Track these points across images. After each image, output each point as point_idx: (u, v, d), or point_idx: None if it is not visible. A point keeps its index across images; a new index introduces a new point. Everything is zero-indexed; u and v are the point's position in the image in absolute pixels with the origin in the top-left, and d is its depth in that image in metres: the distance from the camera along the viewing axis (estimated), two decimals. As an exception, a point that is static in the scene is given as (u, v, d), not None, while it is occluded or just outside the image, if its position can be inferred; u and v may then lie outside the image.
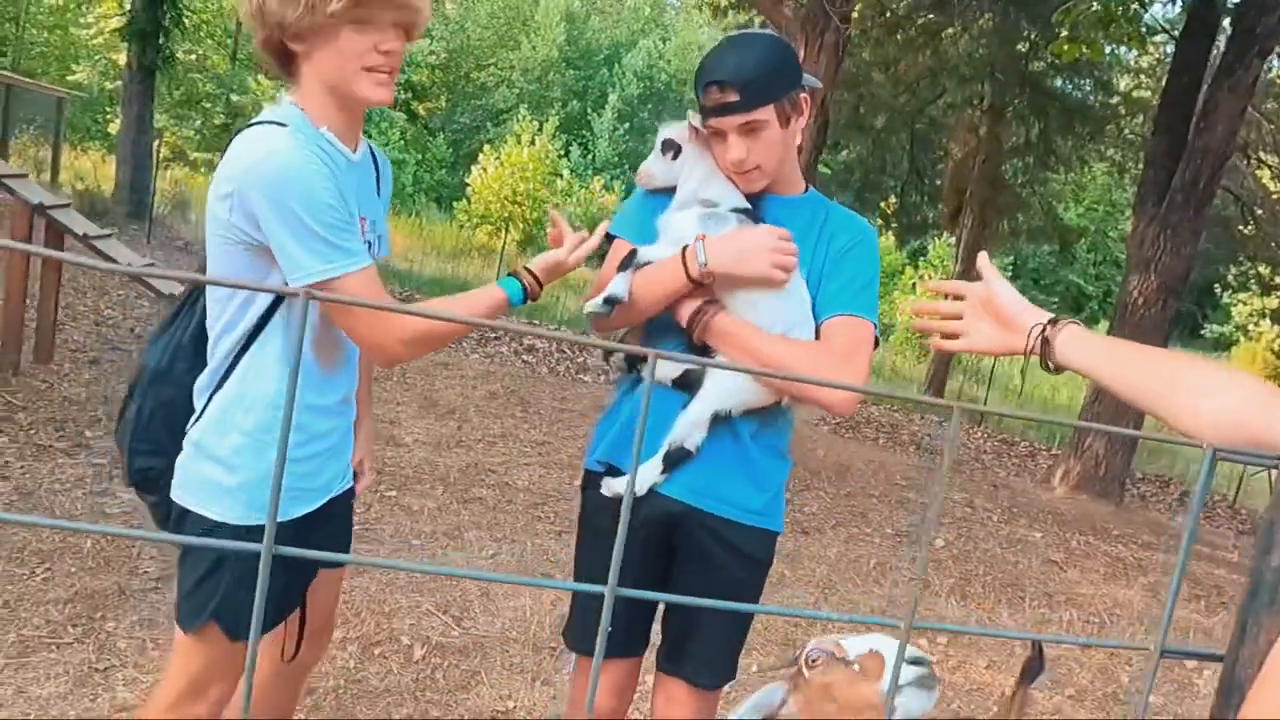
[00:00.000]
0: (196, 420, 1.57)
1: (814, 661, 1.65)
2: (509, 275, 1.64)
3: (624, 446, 1.77)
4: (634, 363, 1.81)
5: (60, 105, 15.39)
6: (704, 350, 1.74)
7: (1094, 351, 1.24)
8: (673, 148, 1.74)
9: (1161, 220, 7.48)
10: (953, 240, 16.06)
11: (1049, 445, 11.38)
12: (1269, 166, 12.67)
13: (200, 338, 1.59)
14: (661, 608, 1.93)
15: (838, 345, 1.70)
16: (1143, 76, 13.65)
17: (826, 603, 4.22)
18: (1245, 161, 12.45)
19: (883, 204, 15.81)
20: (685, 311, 1.70)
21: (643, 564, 1.78)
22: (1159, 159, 7.75)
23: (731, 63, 1.65)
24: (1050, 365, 1.28)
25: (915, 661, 1.59)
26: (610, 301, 1.69)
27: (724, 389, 1.69)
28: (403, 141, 26.42)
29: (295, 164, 1.42)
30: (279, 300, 1.52)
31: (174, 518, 1.58)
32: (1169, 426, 1.14)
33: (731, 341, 1.68)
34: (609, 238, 1.83)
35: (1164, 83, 8.47)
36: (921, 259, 22.72)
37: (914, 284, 21.29)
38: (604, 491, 1.75)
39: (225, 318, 1.55)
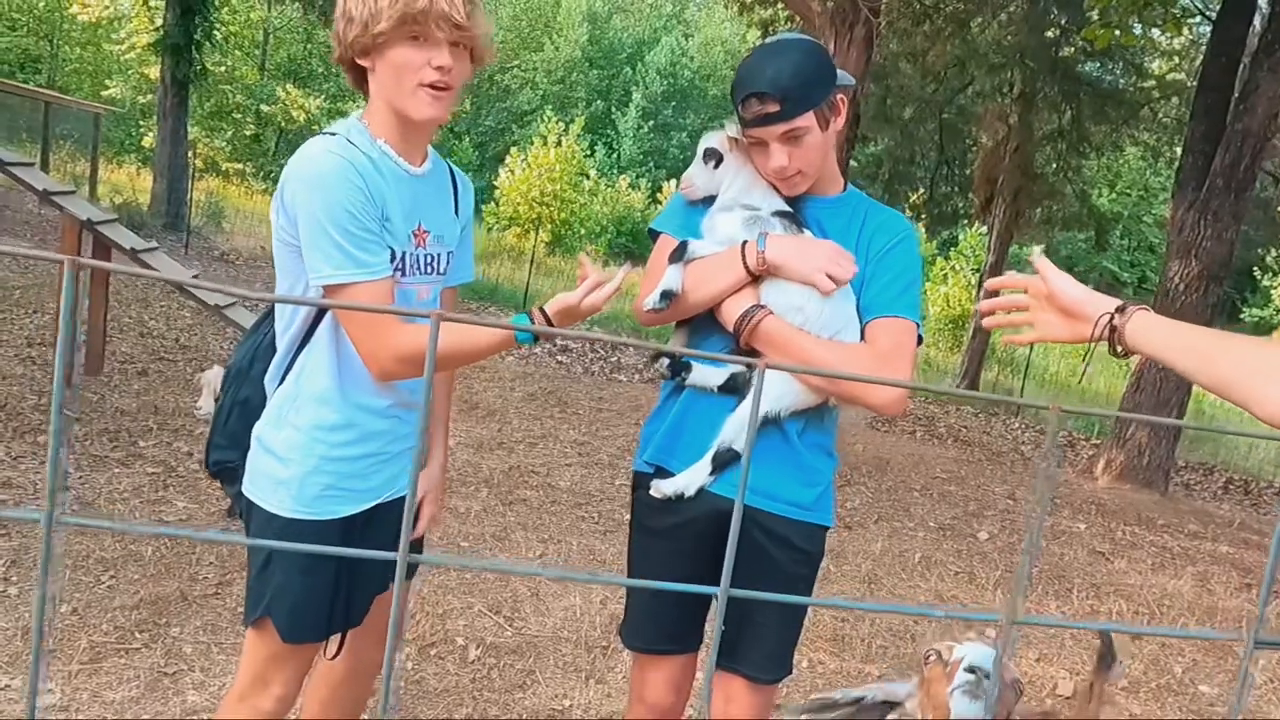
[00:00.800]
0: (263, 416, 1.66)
1: (927, 659, 1.84)
2: (522, 312, 1.65)
3: (672, 448, 1.78)
4: (678, 366, 1.82)
5: (97, 121, 15.70)
6: (750, 353, 1.75)
7: (1164, 337, 1.24)
8: (715, 156, 1.76)
9: (1201, 205, 7.38)
10: (984, 230, 15.90)
11: (1088, 435, 11.25)
12: (1309, 146, 12.43)
13: (276, 342, 1.69)
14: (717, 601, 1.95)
15: (882, 346, 1.71)
16: (1176, 59, 13.44)
17: (872, 596, 4.22)
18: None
19: (912, 195, 15.69)
20: (733, 314, 1.71)
21: (695, 561, 1.81)
22: (1197, 143, 7.64)
23: (769, 72, 1.66)
24: (1119, 350, 1.29)
25: (970, 670, 1.68)
26: (667, 295, 1.71)
27: (773, 391, 1.71)
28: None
29: (324, 169, 1.50)
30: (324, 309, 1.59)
31: (245, 509, 1.68)
32: (1244, 410, 1.14)
33: (779, 344, 1.69)
34: (652, 234, 1.85)
35: (1200, 65, 8.34)
36: (952, 249, 22.52)
37: (945, 275, 21.11)
38: (653, 493, 1.77)
39: (284, 317, 1.64)
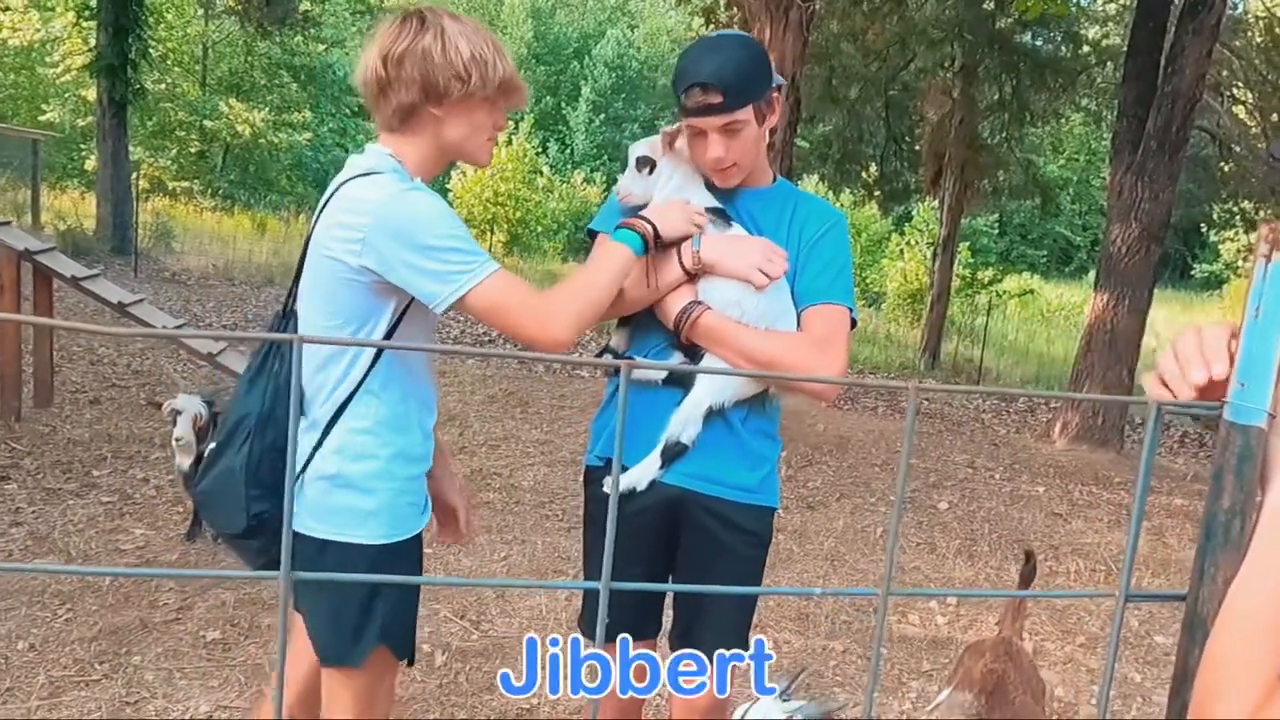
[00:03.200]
0: (313, 454, 1.63)
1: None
2: (618, 228, 1.73)
3: (626, 446, 1.81)
4: (619, 359, 1.87)
5: (35, 147, 15.36)
6: (690, 348, 1.80)
7: None
8: (648, 163, 1.81)
9: (1138, 168, 7.52)
10: (936, 204, 16.07)
11: (1048, 399, 11.44)
12: (1243, 103, 12.72)
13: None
14: (673, 582, 2.00)
15: (818, 334, 1.77)
16: (1111, 24, 13.67)
17: (835, 574, 4.29)
18: (1220, 100, 12.50)
19: (863, 173, 15.82)
20: (672, 311, 1.77)
21: (650, 550, 1.87)
22: (1130, 107, 7.79)
23: (713, 64, 1.71)
24: None
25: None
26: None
27: (716, 384, 1.76)
28: (380, 152, 26.32)
29: (418, 200, 1.56)
30: (389, 337, 1.63)
31: (307, 553, 1.64)
32: None
33: (718, 338, 1.75)
34: (591, 235, 1.89)
35: (1129, 30, 8.50)
36: (907, 224, 22.74)
37: (901, 250, 21.32)
38: (605, 489, 1.83)
39: (339, 354, 1.63)
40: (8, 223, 5.45)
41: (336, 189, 1.62)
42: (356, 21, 23.38)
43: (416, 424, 1.70)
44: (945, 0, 12.35)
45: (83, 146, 22.48)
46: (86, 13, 15.17)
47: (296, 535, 1.65)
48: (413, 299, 1.60)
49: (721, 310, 1.74)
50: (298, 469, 1.64)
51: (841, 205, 23.11)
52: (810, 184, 23.34)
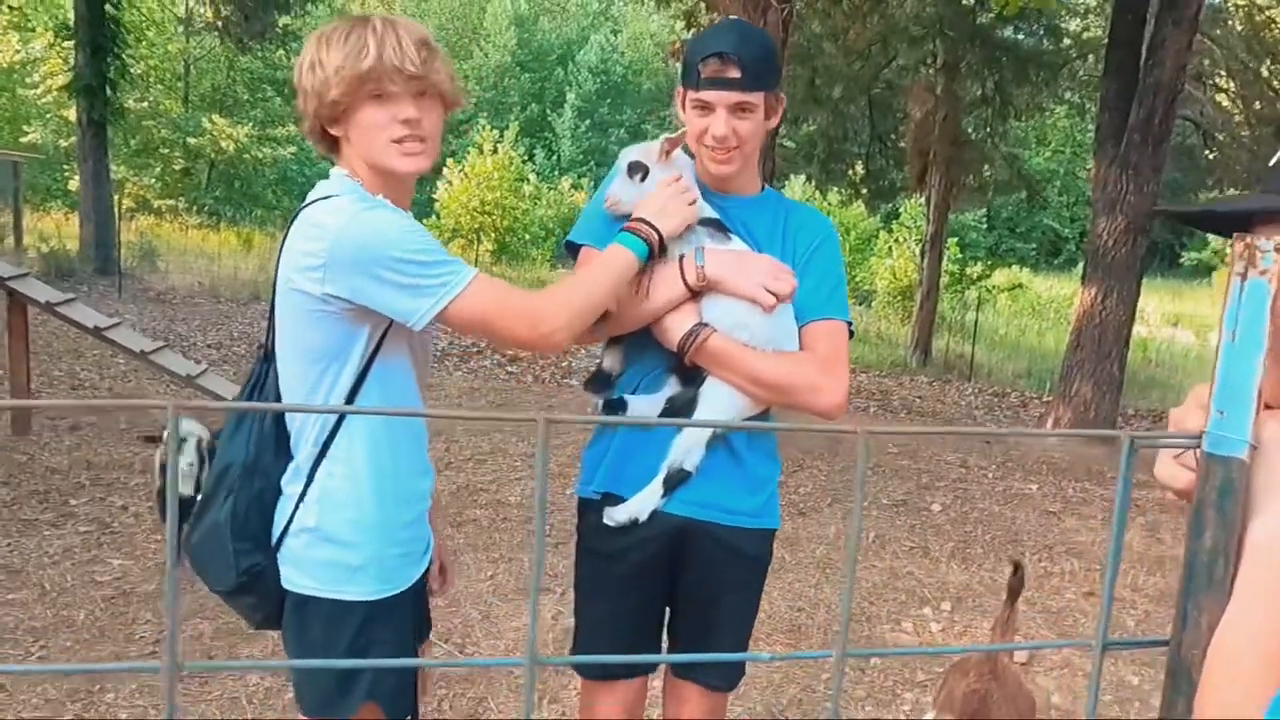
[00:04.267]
0: (299, 504, 1.54)
1: None
2: (621, 231, 1.62)
3: (620, 474, 1.76)
4: (601, 384, 1.78)
5: (16, 169, 15.28)
6: (692, 371, 1.71)
7: None
8: (640, 169, 1.69)
9: (1121, 160, 7.50)
10: (923, 201, 16.06)
11: (1040, 393, 11.42)
12: (1225, 91, 12.73)
13: (279, 425, 1.57)
14: (668, 615, 1.92)
15: (822, 352, 1.72)
16: (1091, 17, 13.68)
17: (828, 581, 4.23)
18: (1203, 89, 12.51)
19: (849, 172, 15.80)
20: (675, 332, 1.68)
21: (649, 582, 1.81)
22: (1112, 100, 7.76)
23: (736, 38, 1.65)
24: None
25: None
26: (600, 316, 1.65)
27: (720, 409, 1.70)
28: (366, 164, 26.28)
29: (378, 218, 1.46)
30: (368, 368, 1.52)
31: (290, 608, 1.56)
32: None
33: (726, 362, 1.68)
34: (571, 248, 1.80)
35: (1110, 22, 8.48)
36: (894, 222, 22.74)
37: (890, 248, 21.31)
38: (607, 521, 1.74)
39: (308, 393, 1.53)
40: (-21, 249, 5.38)
41: (295, 216, 1.53)
42: (338, 34, 23.29)
43: (405, 460, 1.59)
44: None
45: (65, 167, 22.37)
46: (65, 33, 15.08)
47: (285, 590, 1.57)
48: (391, 322, 1.50)
49: (729, 332, 1.67)
50: (284, 522, 1.55)
51: (829, 205, 23.11)
52: (797, 184, 23.36)
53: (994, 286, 19.51)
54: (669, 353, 1.70)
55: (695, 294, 1.68)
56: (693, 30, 11.58)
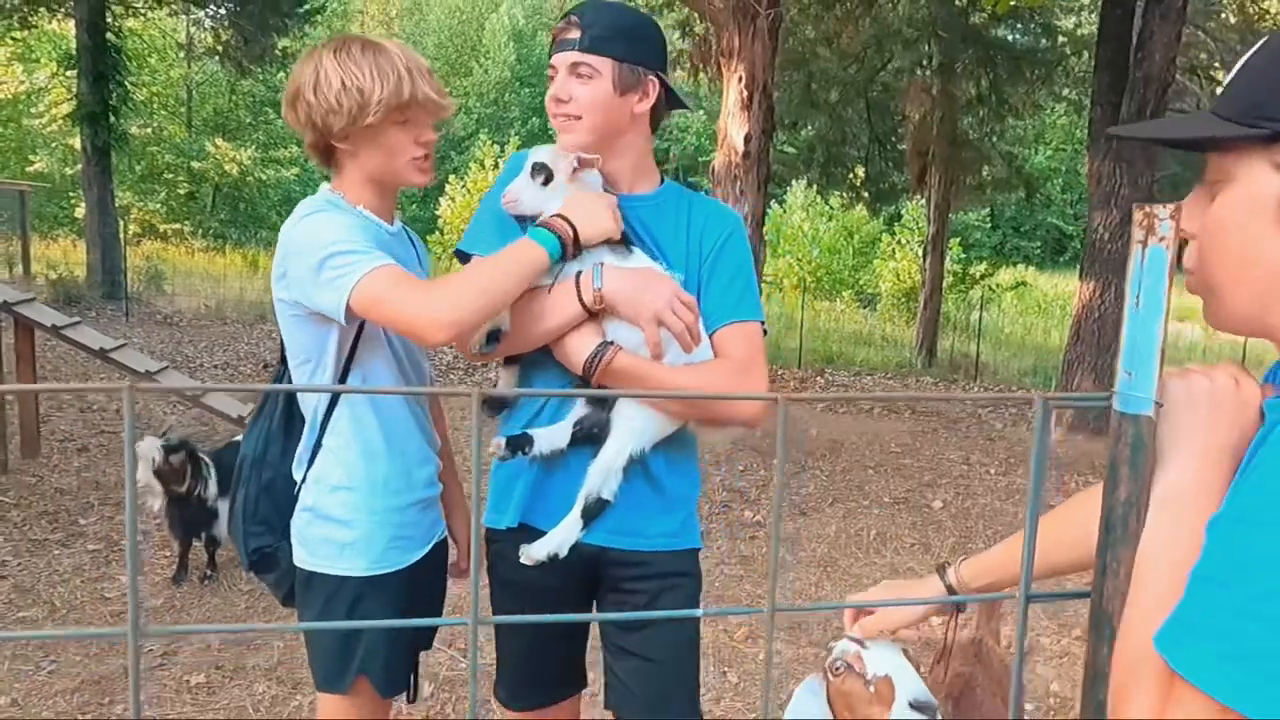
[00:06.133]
0: (301, 486, 1.68)
1: (837, 670, 1.60)
2: (535, 226, 1.55)
3: (536, 505, 1.66)
4: (497, 405, 1.69)
5: (23, 198, 15.46)
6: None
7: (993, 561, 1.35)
8: (544, 171, 1.59)
9: (1115, 155, 7.53)
10: (924, 202, 16.09)
11: (1045, 389, 11.42)
12: (1218, 83, 12.73)
13: (288, 421, 1.73)
14: (602, 650, 1.77)
15: (738, 357, 1.64)
16: (1084, 14, 13.72)
17: (829, 579, 4.26)
18: (1198, 82, 12.52)
19: (850, 175, 15.86)
20: (579, 353, 1.57)
21: (568, 607, 1.72)
22: (1104, 94, 7.80)
23: (590, 6, 1.62)
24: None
25: (918, 707, 1.51)
26: (495, 337, 1.57)
27: (634, 430, 1.60)
28: (368, 182, 26.45)
29: (314, 222, 1.56)
30: (351, 356, 1.63)
31: (298, 584, 1.70)
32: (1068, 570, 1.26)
33: (634, 381, 1.58)
34: (461, 256, 1.68)
35: (1099, 18, 8.52)
36: (897, 224, 22.76)
37: (893, 250, 21.32)
38: (525, 560, 1.59)
39: (309, 379, 1.67)
40: (-14, 276, 5.46)
41: None
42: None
43: (397, 451, 1.67)
44: (917, 1, 12.42)
45: (71, 195, 22.59)
46: (68, 62, 15.28)
47: (288, 571, 1.72)
48: (360, 328, 1.61)
49: (636, 349, 1.56)
50: (294, 505, 1.71)
51: (831, 208, 23.20)
52: (798, 189, 23.44)
53: (998, 285, 19.52)
54: (571, 374, 1.60)
55: (593, 314, 1.57)
56: (688, 39, 11.69)
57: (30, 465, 5.36)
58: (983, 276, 18.35)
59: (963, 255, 20.79)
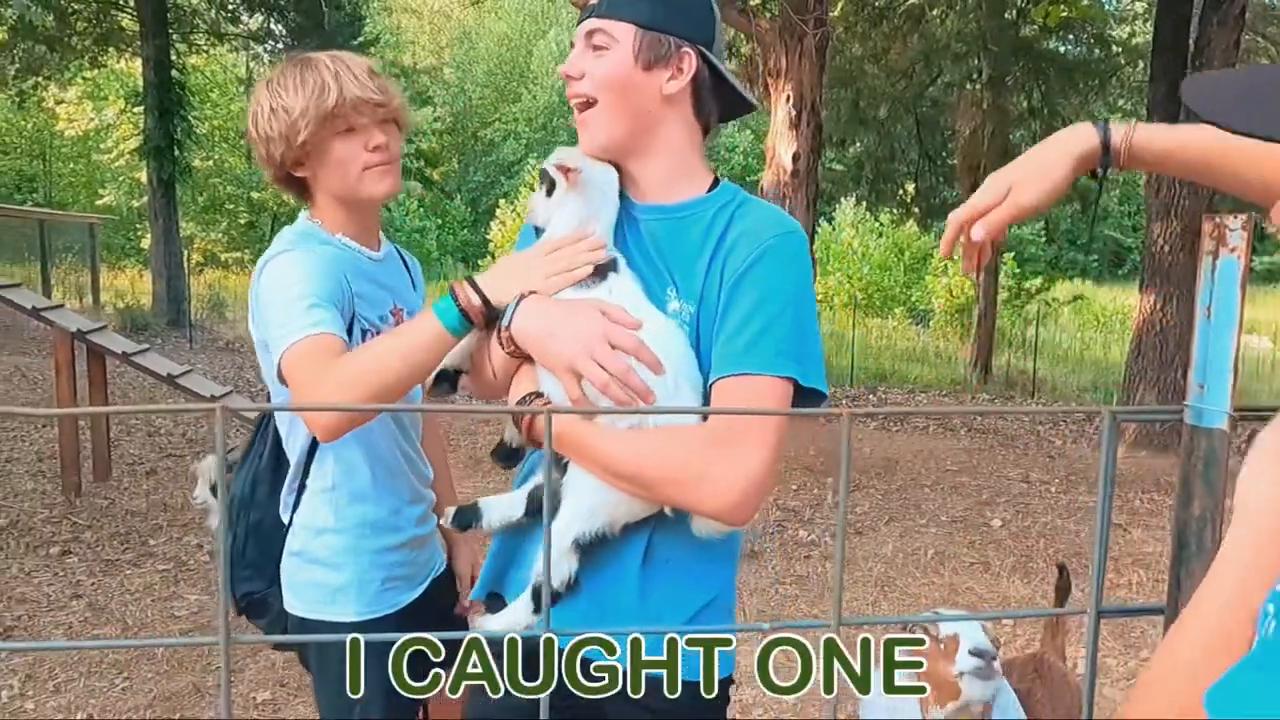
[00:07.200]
0: (289, 530, 1.62)
1: (912, 629, 1.89)
2: (446, 293, 1.35)
3: (502, 576, 1.39)
4: (504, 456, 1.41)
5: (93, 230, 16.02)
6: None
7: (1172, 132, 1.07)
8: (546, 180, 1.33)
9: (1174, 164, 7.37)
10: (975, 216, 15.88)
11: (1107, 405, 11.16)
12: (1283, 90, 12.40)
13: (276, 461, 1.66)
14: None
15: (716, 427, 1.21)
16: (1139, 23, 13.49)
17: (885, 599, 4.21)
18: (1259, 89, 12.20)
19: (900, 192, 15.76)
20: (513, 399, 1.29)
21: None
22: (1159, 104, 7.65)
23: None
24: (1116, 166, 1.11)
25: (977, 654, 1.71)
26: (444, 377, 1.34)
27: (580, 510, 1.24)
28: (421, 209, 26.96)
29: (278, 264, 1.50)
30: None
31: (293, 631, 1.62)
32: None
33: (567, 445, 1.23)
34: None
35: (1154, 27, 8.38)
36: (949, 239, 22.48)
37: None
38: (472, 629, 1.33)
39: (284, 429, 1.62)
40: (60, 306, 5.69)
41: None
42: (390, 85, 24.03)
43: (386, 491, 1.61)
44: (966, 14, 12.33)
45: (138, 226, 23.36)
46: (134, 99, 15.87)
47: (279, 615, 1.65)
48: None
49: (593, 399, 1.19)
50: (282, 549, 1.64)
51: (880, 224, 23.01)
52: (846, 206, 23.30)
53: (1054, 300, 19.15)
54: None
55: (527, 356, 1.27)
56: (734, 60, 11.76)
57: (101, 488, 5.53)
58: (1038, 291, 18.03)
59: (1017, 270, 20.45)
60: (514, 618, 1.29)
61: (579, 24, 1.32)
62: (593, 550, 1.24)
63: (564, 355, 1.19)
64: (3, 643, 3.47)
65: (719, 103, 1.35)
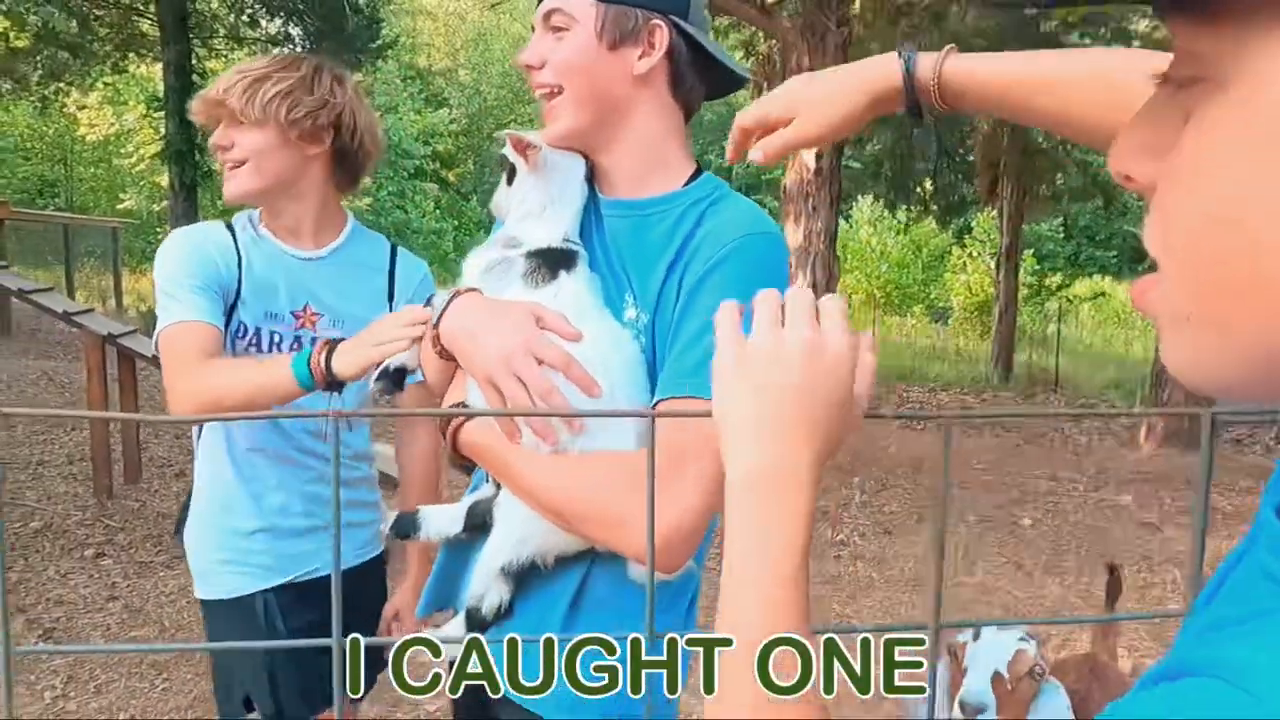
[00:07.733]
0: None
1: (951, 652, 1.97)
2: (309, 346, 1.40)
3: (449, 592, 1.27)
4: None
5: (115, 234, 16.16)
6: (473, 469, 1.22)
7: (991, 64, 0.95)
8: (505, 166, 1.20)
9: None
10: (995, 214, 15.82)
11: (1130, 403, 11.08)
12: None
13: None
14: None
15: (655, 460, 0.87)
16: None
17: (918, 598, 4.19)
18: None
19: (918, 189, 15.70)
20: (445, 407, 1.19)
21: None
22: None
23: None
24: (935, 108, 0.98)
25: (963, 706, 1.74)
26: (387, 374, 1.21)
27: (510, 538, 1.13)
28: (438, 211, 27.04)
29: (165, 243, 1.59)
30: None
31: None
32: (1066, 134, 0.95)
33: (487, 464, 1.12)
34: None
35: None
36: (967, 236, 22.39)
37: (964, 263, 20.97)
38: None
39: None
40: (90, 310, 5.75)
41: None
42: (407, 86, 24.19)
43: (249, 472, 1.61)
44: (985, 10, 12.28)
45: (159, 230, 23.54)
46: (155, 104, 15.99)
47: None
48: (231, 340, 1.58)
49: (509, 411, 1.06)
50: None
51: (898, 221, 22.92)
52: (864, 204, 23.23)
53: (1075, 297, 19.04)
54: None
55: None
56: (752, 59, 11.73)
57: (132, 490, 5.58)
58: (1059, 288, 17.92)
59: (1037, 266, 20.34)
60: (451, 631, 1.19)
61: (537, 5, 1.18)
62: (526, 579, 1.13)
63: (483, 364, 1.03)
64: (29, 646, 3.51)
65: (702, 79, 1.20)
